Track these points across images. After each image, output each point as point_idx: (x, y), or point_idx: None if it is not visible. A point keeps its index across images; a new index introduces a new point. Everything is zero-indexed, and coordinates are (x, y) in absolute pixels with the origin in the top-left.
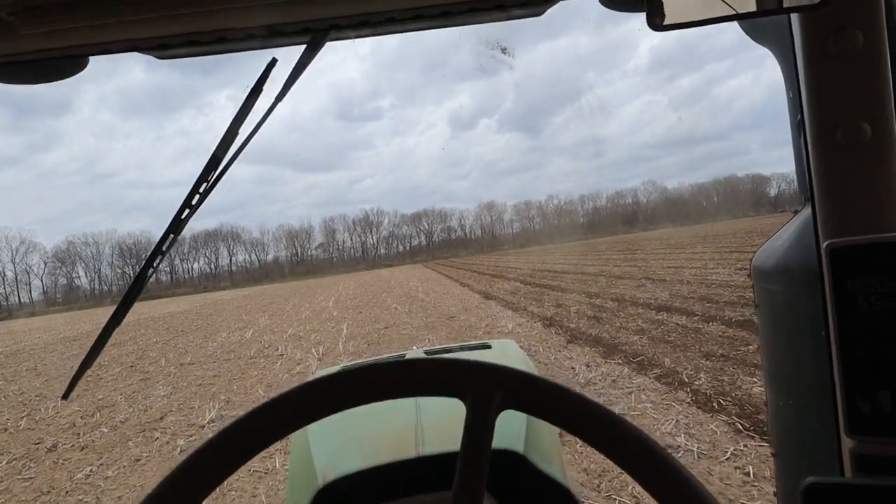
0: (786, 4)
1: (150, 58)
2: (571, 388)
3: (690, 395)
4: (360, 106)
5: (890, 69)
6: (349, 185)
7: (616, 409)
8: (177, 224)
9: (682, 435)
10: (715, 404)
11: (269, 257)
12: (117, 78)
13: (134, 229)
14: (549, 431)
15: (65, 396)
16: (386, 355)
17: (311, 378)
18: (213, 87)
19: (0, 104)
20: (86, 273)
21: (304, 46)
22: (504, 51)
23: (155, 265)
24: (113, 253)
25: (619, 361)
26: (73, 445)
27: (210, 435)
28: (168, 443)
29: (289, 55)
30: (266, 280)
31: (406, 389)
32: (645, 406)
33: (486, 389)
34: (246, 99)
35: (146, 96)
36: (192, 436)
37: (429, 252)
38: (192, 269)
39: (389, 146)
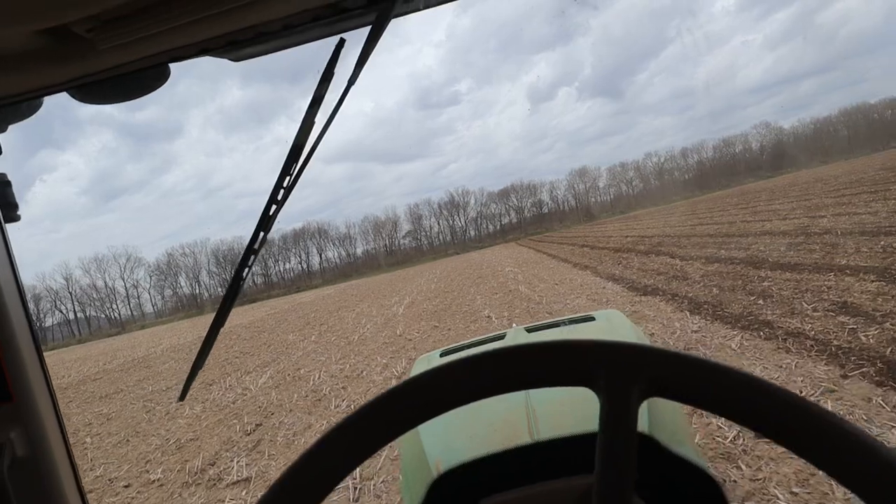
0: None
1: (243, 74)
2: (737, 369)
3: None
4: (438, 93)
5: None
6: (435, 172)
7: None
8: (266, 221)
9: None
10: None
11: (359, 251)
12: (218, 99)
13: (229, 236)
14: (674, 408)
15: (181, 398)
16: (484, 336)
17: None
18: (300, 93)
19: (125, 135)
20: (187, 283)
21: (369, 28)
22: None
23: (249, 264)
24: (209, 261)
25: None
26: None
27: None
28: None
29: (356, 40)
30: (356, 274)
31: (541, 378)
32: None
33: (629, 376)
34: (318, 85)
35: (243, 111)
36: None
37: (521, 229)
38: (284, 269)
39: (470, 129)
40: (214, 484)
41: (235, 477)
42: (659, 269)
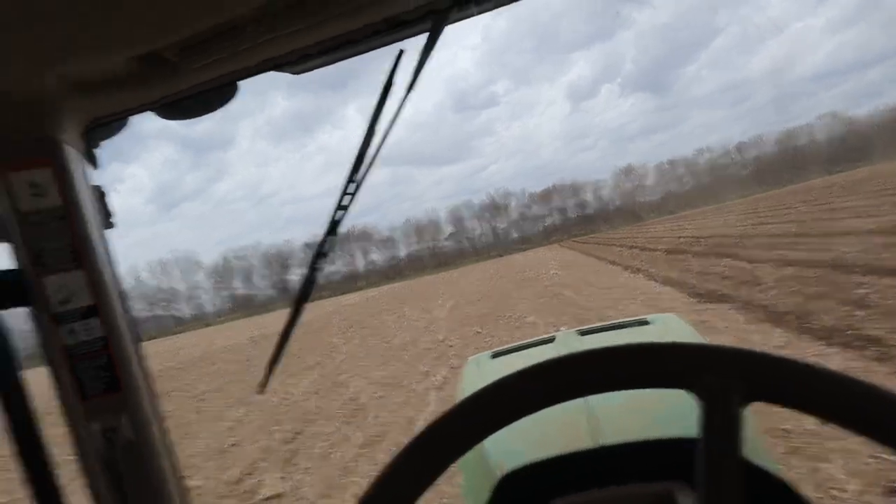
0: None
1: (289, 84)
2: (852, 375)
3: None
4: (475, 95)
5: None
6: (474, 174)
7: None
8: (333, 226)
9: None
10: None
11: (402, 253)
12: (266, 110)
13: (278, 241)
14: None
15: (261, 391)
16: (534, 339)
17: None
18: (342, 101)
19: (183, 147)
20: (241, 284)
21: (425, 35)
22: None
23: (317, 266)
24: (260, 264)
25: None
26: None
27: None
28: None
29: (410, 47)
30: (399, 277)
31: (640, 380)
32: None
33: (729, 379)
34: (381, 95)
35: (289, 121)
36: None
37: (564, 230)
38: (331, 272)
39: (509, 130)
40: (250, 497)
41: (269, 492)
42: (722, 272)
